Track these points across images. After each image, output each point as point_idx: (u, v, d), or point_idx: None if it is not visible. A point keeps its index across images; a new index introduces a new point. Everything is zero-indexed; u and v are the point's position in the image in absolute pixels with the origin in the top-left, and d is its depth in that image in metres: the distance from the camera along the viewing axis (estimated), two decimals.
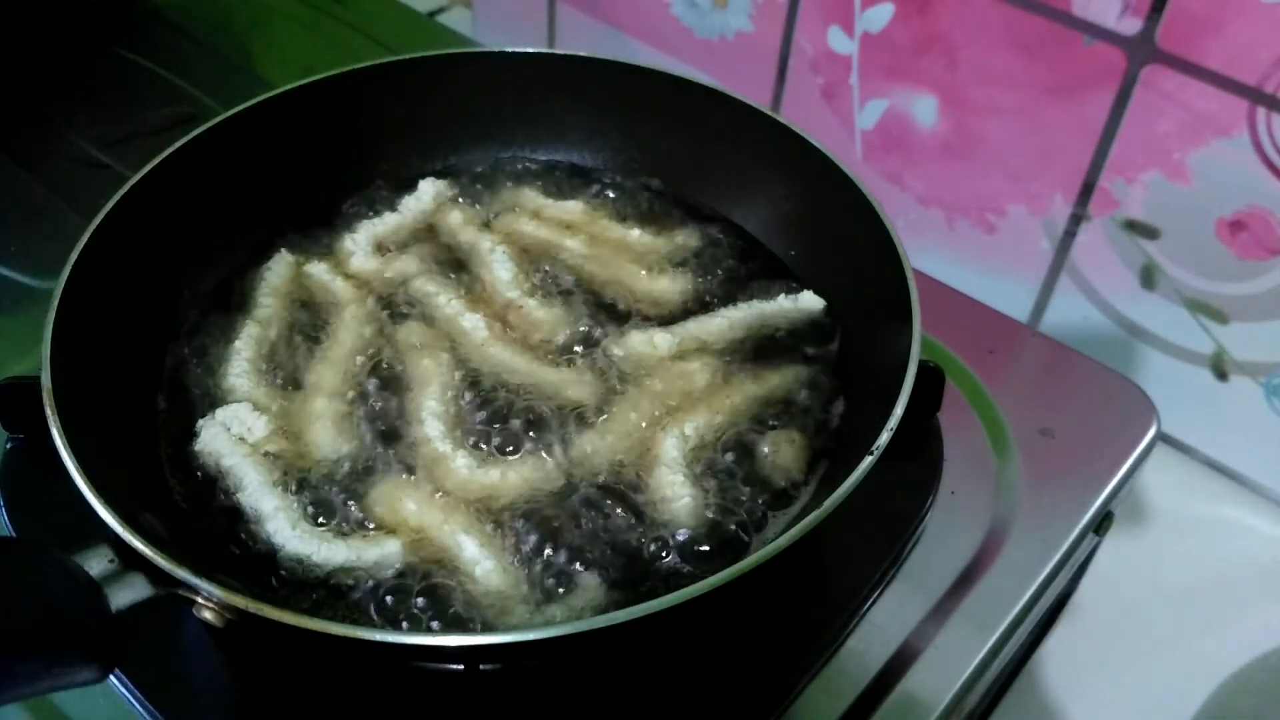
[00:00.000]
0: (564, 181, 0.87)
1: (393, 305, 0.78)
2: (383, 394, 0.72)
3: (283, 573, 0.62)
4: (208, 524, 0.65)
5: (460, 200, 0.86)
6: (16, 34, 1.12)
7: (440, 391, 0.71)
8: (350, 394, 0.71)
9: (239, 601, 0.52)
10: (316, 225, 0.83)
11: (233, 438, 0.67)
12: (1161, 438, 0.80)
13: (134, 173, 0.73)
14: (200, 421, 0.69)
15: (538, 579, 0.62)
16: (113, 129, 1.02)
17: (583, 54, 0.86)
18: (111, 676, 0.61)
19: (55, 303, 0.64)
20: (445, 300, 0.77)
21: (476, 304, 0.77)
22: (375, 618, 0.61)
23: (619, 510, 0.66)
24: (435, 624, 0.60)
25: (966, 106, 0.95)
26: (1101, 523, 0.77)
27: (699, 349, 0.74)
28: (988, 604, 0.69)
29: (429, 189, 0.85)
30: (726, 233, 0.84)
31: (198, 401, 0.71)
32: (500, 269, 0.79)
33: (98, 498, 0.54)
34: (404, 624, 0.60)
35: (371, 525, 0.65)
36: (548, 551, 0.64)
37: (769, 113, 0.80)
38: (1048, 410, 0.80)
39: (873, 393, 0.65)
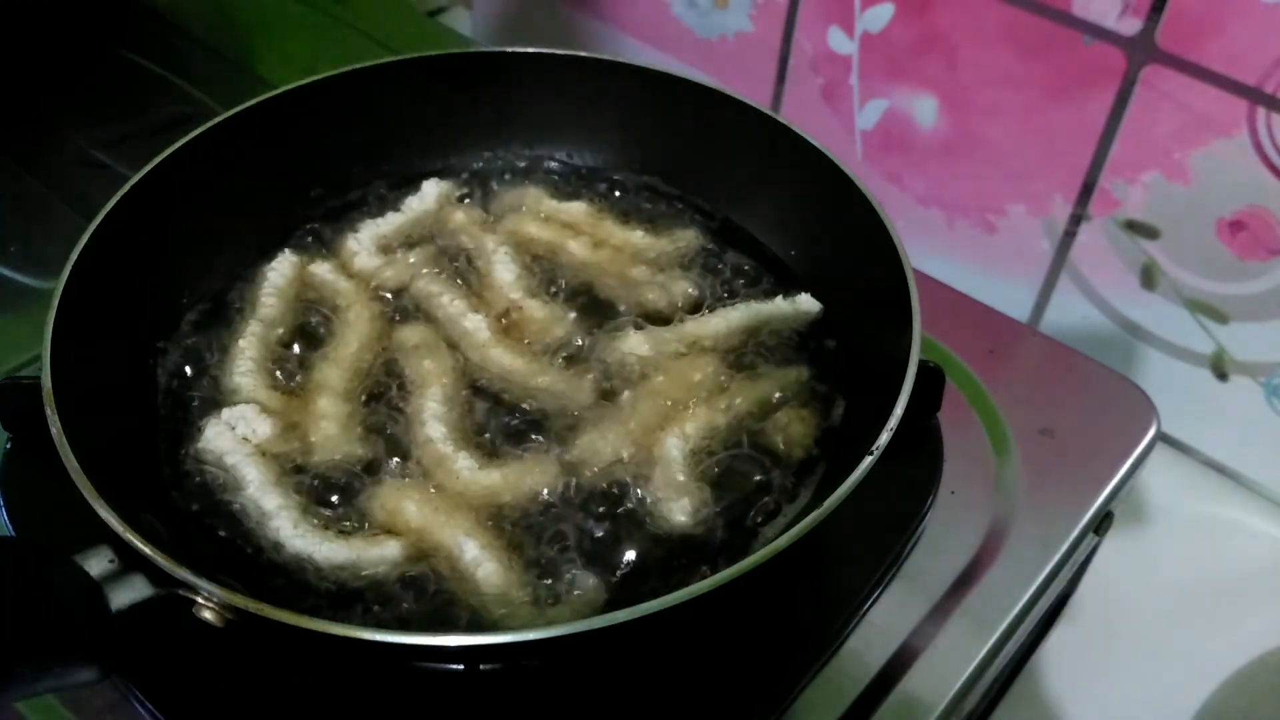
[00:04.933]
0: (565, 182, 0.87)
1: (395, 305, 0.78)
2: (385, 395, 0.72)
3: (284, 572, 0.62)
4: (208, 524, 0.65)
5: (463, 200, 0.86)
6: (17, 34, 1.11)
7: (442, 392, 0.71)
8: (353, 394, 0.71)
9: (239, 601, 0.52)
10: (319, 225, 0.83)
11: (237, 437, 0.67)
12: (1161, 438, 0.80)
13: (134, 173, 0.73)
14: (204, 421, 0.69)
15: (538, 580, 0.62)
16: (113, 129, 1.02)
17: (583, 54, 0.86)
18: (111, 677, 0.61)
19: (55, 303, 0.64)
20: (448, 300, 0.77)
21: (479, 304, 0.77)
22: (376, 618, 0.61)
23: (620, 511, 0.66)
24: (435, 624, 0.60)
25: (966, 106, 0.95)
26: (1101, 523, 0.77)
27: (699, 349, 0.74)
28: (988, 604, 0.69)
29: (432, 189, 0.85)
30: (726, 232, 0.84)
31: (199, 402, 0.71)
32: (503, 270, 0.79)
33: (98, 498, 0.54)
34: (404, 624, 0.60)
35: (373, 526, 0.65)
36: (548, 552, 0.64)
37: (769, 113, 0.80)
38: (1048, 410, 0.80)
39: (873, 393, 0.65)
